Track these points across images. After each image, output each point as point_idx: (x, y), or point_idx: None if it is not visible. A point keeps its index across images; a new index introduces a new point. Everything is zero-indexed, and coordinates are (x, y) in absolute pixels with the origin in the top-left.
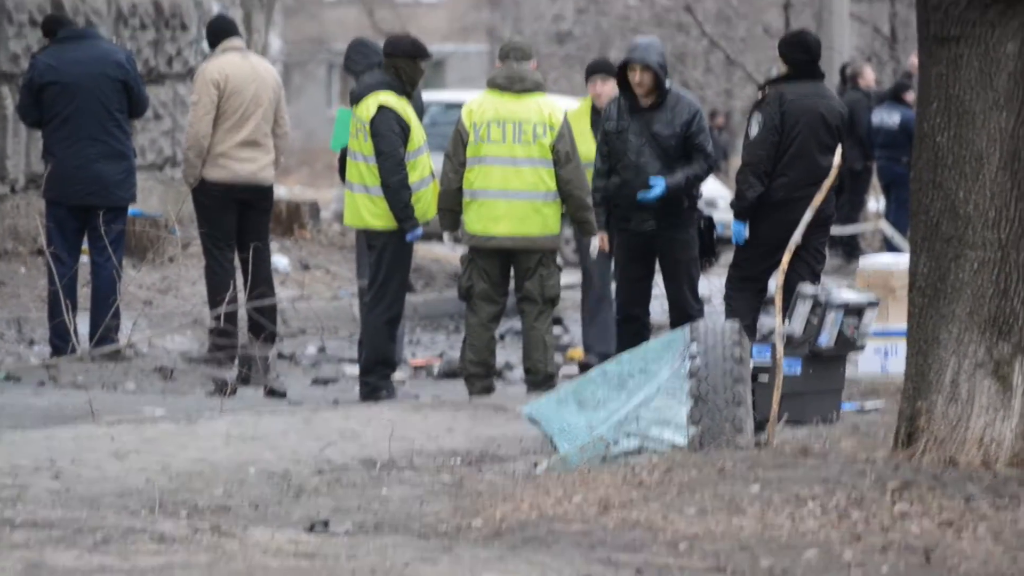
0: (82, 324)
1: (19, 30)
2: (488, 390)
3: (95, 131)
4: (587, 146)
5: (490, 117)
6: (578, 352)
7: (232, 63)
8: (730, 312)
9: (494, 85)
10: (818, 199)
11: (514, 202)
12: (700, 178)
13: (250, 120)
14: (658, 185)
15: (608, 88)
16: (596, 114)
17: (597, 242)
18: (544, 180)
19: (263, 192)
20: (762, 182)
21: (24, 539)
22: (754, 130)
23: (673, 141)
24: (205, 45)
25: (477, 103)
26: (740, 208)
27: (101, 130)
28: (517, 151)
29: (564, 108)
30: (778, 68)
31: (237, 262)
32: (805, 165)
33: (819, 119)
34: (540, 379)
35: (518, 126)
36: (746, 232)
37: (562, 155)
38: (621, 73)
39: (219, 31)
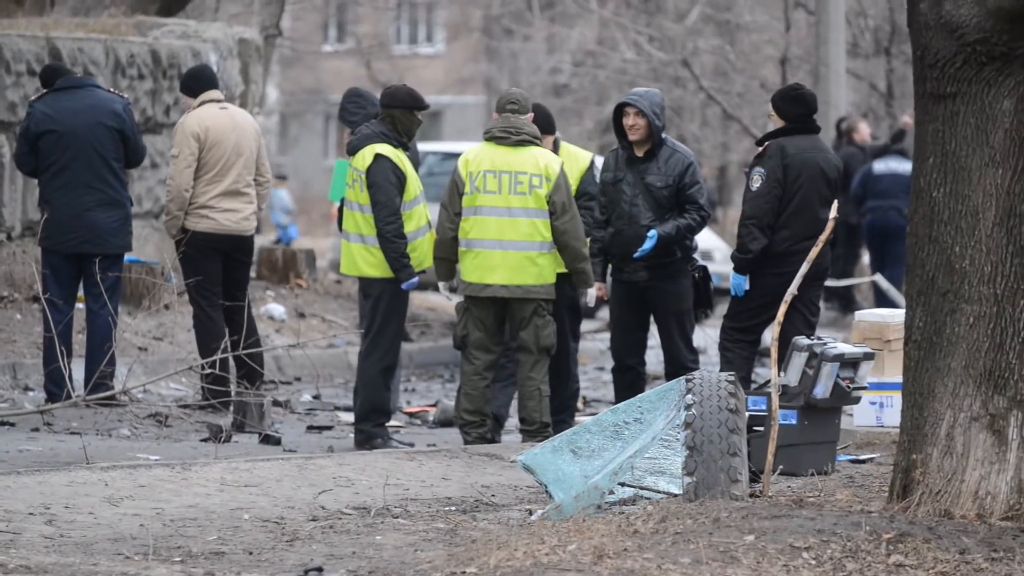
0: (77, 370)
1: (16, 79)
2: (483, 438)
3: (91, 179)
4: None
5: (486, 167)
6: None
7: (212, 115)
8: (726, 364)
9: (490, 136)
10: (814, 252)
11: (509, 252)
12: (693, 229)
13: (231, 171)
14: (651, 238)
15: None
16: None
17: (594, 292)
18: (539, 231)
19: (245, 242)
20: (765, 235)
21: None
22: (756, 184)
23: (666, 192)
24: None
25: (473, 154)
26: (743, 261)
27: (97, 178)
28: (512, 201)
29: (562, 158)
30: (774, 122)
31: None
32: (806, 218)
33: (819, 172)
34: (535, 429)
35: (514, 177)
36: (746, 285)
37: (558, 206)
38: (617, 117)
39: (199, 81)
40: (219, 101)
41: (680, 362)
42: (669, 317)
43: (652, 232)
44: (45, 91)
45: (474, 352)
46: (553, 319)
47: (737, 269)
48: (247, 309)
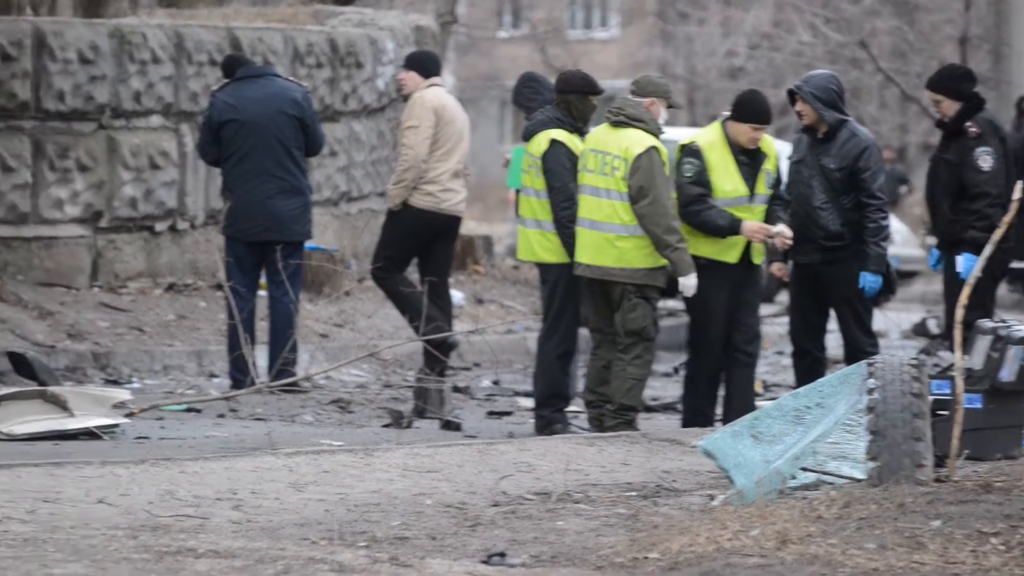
0: (260, 357)
1: (198, 69)
2: (592, 420)
3: (272, 168)
4: (732, 182)
5: (591, 146)
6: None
7: (446, 96)
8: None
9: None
10: (998, 233)
11: (594, 232)
12: (880, 229)
13: (456, 151)
14: (863, 278)
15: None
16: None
17: (689, 283)
18: (619, 213)
19: (457, 223)
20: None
21: (207, 569)
22: (988, 163)
23: (839, 175)
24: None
25: (592, 133)
26: (984, 241)
27: (278, 166)
28: (600, 182)
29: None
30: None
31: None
32: (1009, 193)
33: (1019, 145)
34: (614, 410)
35: (604, 157)
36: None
37: (635, 190)
38: (791, 100)
39: (436, 64)
40: (443, 87)
41: (858, 346)
42: (841, 302)
43: (863, 275)
44: (227, 81)
45: (591, 332)
46: (646, 303)
47: (976, 251)
48: (447, 293)
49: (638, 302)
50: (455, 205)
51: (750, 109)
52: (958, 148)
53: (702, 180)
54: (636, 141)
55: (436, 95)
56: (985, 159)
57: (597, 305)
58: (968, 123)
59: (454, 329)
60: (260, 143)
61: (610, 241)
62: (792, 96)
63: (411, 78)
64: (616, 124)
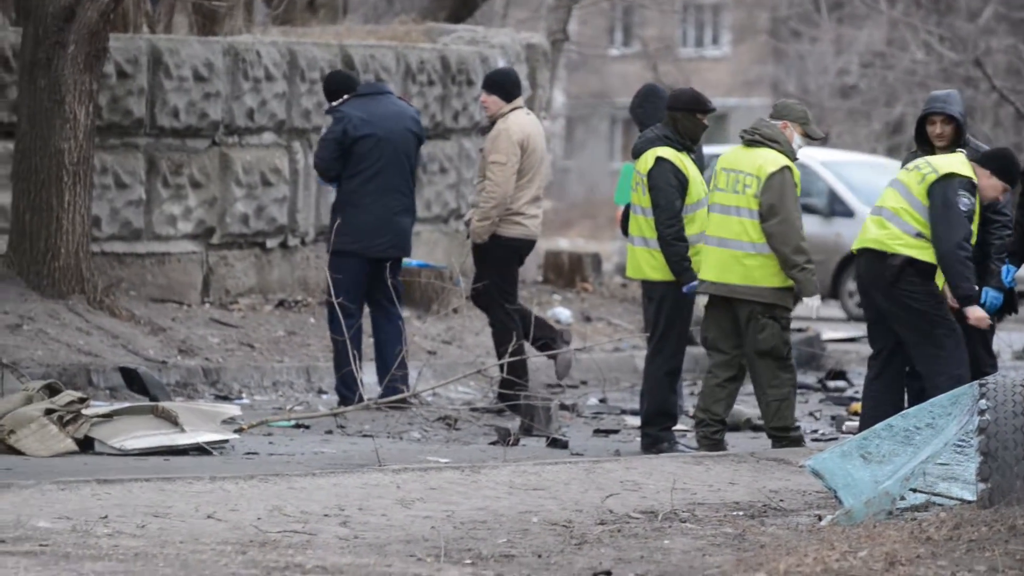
0: (367, 374)
1: (311, 87)
2: (706, 438)
3: (399, 184)
4: None
5: (723, 165)
6: (858, 407)
7: (529, 121)
8: None
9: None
10: None
11: (722, 250)
12: (1005, 245)
13: (538, 177)
14: (996, 298)
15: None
16: None
17: (813, 303)
18: (747, 231)
19: (534, 246)
20: None
21: None
22: None
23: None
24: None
25: (726, 151)
26: None
27: (404, 184)
28: (730, 200)
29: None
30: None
31: None
32: None
33: None
34: (774, 434)
35: (737, 175)
36: None
37: (765, 208)
38: (920, 125)
39: (517, 86)
40: (524, 107)
41: (977, 366)
42: (962, 320)
43: (986, 291)
44: (346, 97)
45: (708, 350)
46: (775, 323)
47: None
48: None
49: (767, 322)
50: (537, 228)
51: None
52: None
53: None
54: (770, 160)
55: (520, 126)
56: None
57: (720, 324)
58: None
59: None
60: (394, 160)
61: (737, 259)
62: (923, 120)
63: (493, 102)
64: (750, 144)
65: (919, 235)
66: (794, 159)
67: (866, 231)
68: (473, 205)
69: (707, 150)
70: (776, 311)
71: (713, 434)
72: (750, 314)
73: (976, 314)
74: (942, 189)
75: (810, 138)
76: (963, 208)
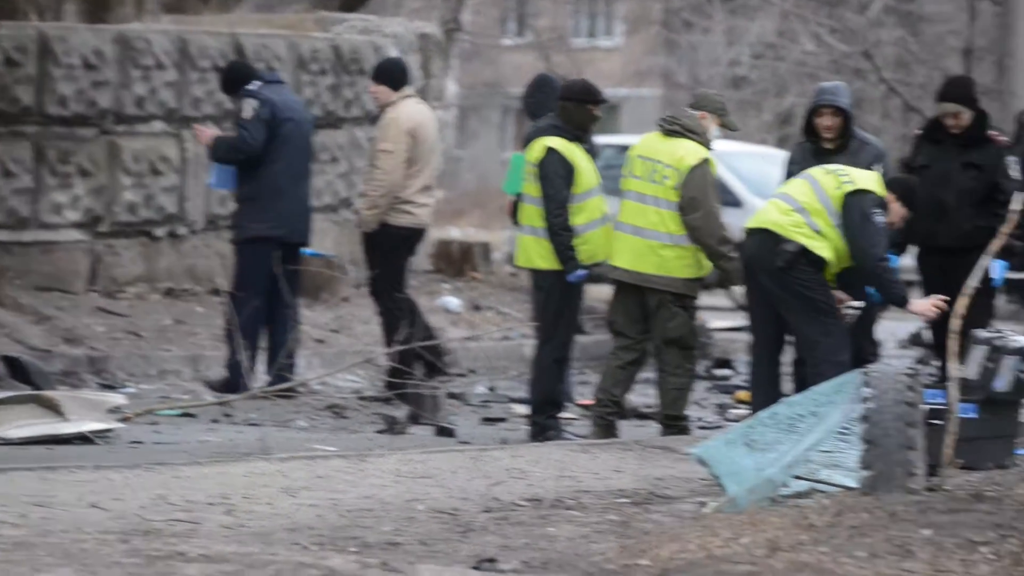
0: (257, 363)
1: (202, 75)
2: (600, 418)
3: (306, 171)
4: None
5: (639, 152)
6: (746, 395)
7: (418, 110)
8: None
9: (657, 125)
10: (995, 244)
11: (637, 239)
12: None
13: (429, 166)
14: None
15: None
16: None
17: (741, 290)
18: (665, 222)
19: (424, 235)
20: None
21: (197, 573)
22: (1017, 171)
23: None
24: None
25: (642, 139)
26: (1016, 248)
27: (309, 170)
28: (648, 189)
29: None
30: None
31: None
32: None
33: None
34: (662, 420)
35: (654, 165)
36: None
37: (685, 201)
38: (808, 118)
39: (405, 75)
40: (414, 96)
41: (860, 355)
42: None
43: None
44: (260, 83)
45: (614, 335)
46: (684, 312)
47: (1007, 258)
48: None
49: (677, 311)
50: (428, 218)
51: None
52: (985, 155)
53: None
54: (691, 152)
55: (409, 115)
56: (1014, 167)
57: (628, 310)
58: (994, 131)
59: (449, 336)
60: (305, 146)
61: (653, 249)
62: (811, 112)
63: (382, 91)
64: (669, 133)
65: (819, 232)
66: (710, 149)
67: (765, 213)
68: (362, 195)
69: (599, 140)
70: (686, 301)
71: (608, 415)
72: (660, 302)
73: (920, 307)
74: (859, 202)
75: (727, 129)
76: (879, 223)
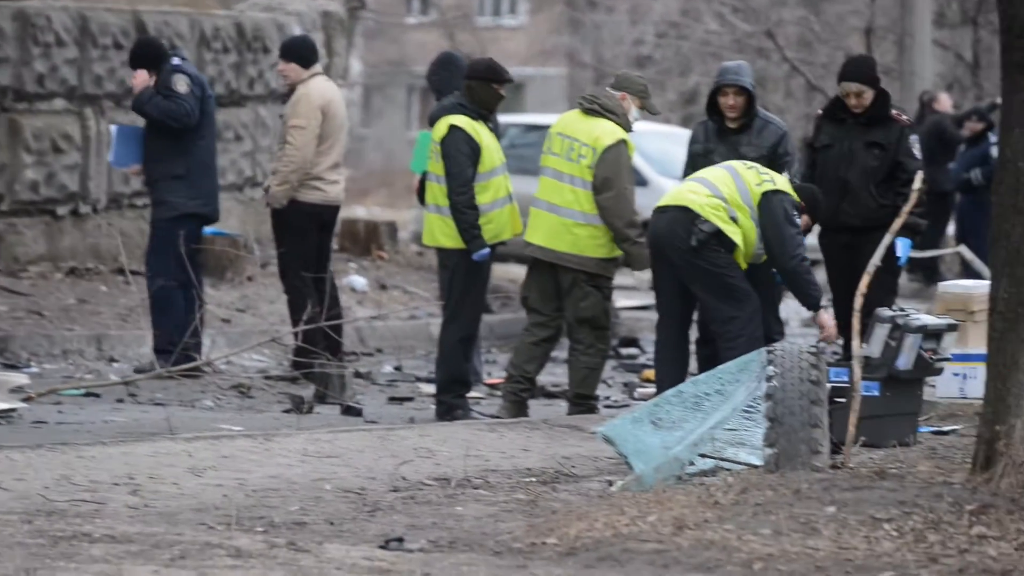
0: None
1: (103, 52)
2: (511, 394)
3: (215, 147)
4: None
5: (558, 130)
6: (652, 374)
7: (328, 87)
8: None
9: (577, 103)
10: (898, 223)
11: (552, 216)
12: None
13: (337, 143)
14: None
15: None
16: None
17: (645, 275)
18: (580, 201)
19: (337, 212)
20: None
21: (102, 553)
22: (919, 149)
23: (760, 163)
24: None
25: (561, 117)
26: (918, 225)
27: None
28: (563, 166)
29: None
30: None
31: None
32: None
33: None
34: (571, 399)
35: (572, 143)
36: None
37: (599, 181)
38: (712, 97)
39: (314, 52)
40: (322, 74)
41: (766, 333)
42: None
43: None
44: (178, 61)
45: (528, 311)
46: (597, 292)
47: (912, 235)
48: (331, 280)
49: (590, 291)
50: (339, 195)
51: None
52: (887, 134)
53: None
54: (607, 132)
55: (320, 91)
56: (916, 146)
57: (542, 287)
58: (896, 111)
59: (356, 315)
60: (213, 121)
61: (568, 227)
62: (715, 91)
63: (292, 69)
64: (588, 112)
65: (735, 220)
66: (629, 131)
67: (680, 193)
68: (273, 172)
69: (503, 119)
70: (600, 280)
71: (521, 391)
72: (573, 281)
73: (826, 320)
74: (780, 202)
75: (648, 112)
76: (798, 224)
